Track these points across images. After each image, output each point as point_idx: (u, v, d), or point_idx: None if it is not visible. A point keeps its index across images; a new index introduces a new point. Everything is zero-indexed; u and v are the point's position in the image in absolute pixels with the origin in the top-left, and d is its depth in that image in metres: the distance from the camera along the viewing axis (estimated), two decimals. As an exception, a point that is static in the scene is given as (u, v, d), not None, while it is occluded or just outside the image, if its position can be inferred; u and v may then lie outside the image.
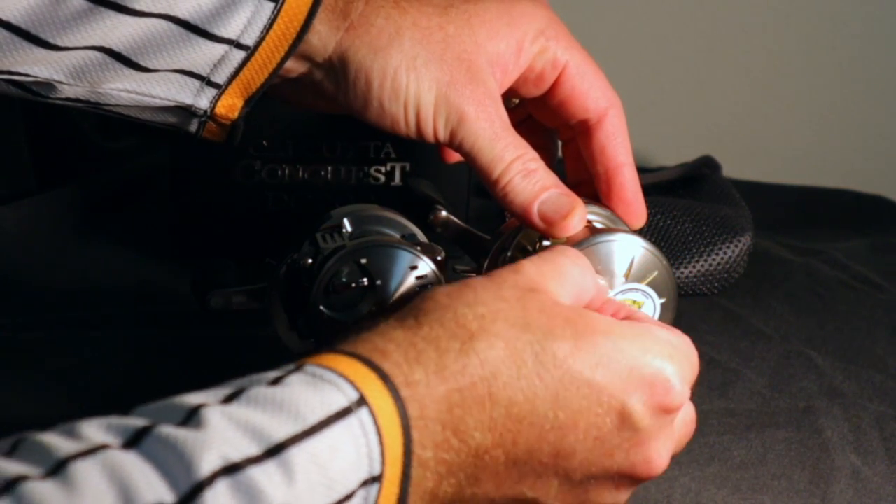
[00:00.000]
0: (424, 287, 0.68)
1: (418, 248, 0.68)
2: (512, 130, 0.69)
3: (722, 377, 0.83)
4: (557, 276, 0.61)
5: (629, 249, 0.71)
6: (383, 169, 0.94)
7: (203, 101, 0.68)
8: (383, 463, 0.51)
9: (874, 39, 1.27)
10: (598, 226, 0.74)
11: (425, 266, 0.68)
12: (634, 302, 0.72)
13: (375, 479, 0.51)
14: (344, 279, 0.67)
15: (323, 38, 0.68)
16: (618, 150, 0.74)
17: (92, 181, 1.05)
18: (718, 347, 0.87)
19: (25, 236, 0.97)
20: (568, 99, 0.73)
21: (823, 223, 1.14)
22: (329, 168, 0.93)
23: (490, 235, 0.76)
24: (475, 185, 1.06)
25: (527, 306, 0.57)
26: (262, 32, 0.66)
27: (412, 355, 0.54)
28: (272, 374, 0.53)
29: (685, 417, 0.62)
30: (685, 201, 1.01)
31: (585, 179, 0.76)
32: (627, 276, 0.71)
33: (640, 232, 0.95)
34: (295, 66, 0.69)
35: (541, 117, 0.76)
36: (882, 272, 1.01)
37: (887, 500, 0.70)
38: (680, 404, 0.59)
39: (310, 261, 0.68)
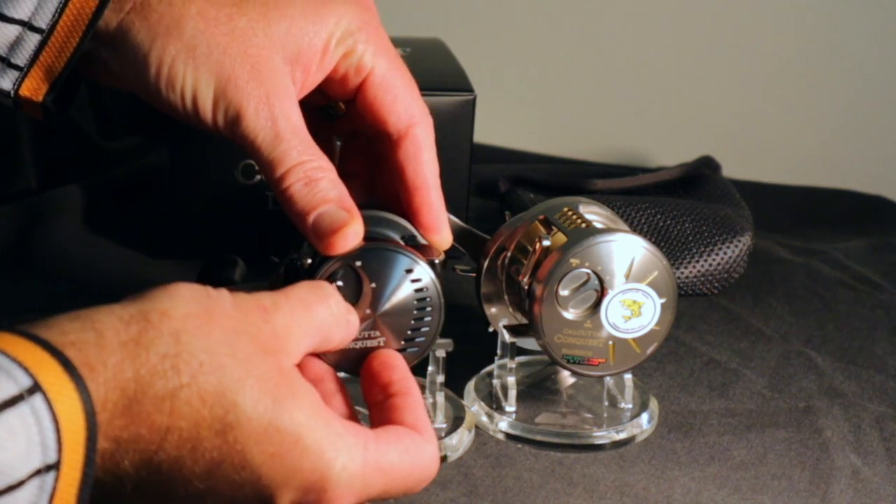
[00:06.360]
0: (420, 290, 0.68)
1: (415, 251, 0.68)
2: (302, 134, 0.66)
3: (722, 377, 0.83)
4: (302, 333, 0.60)
5: (629, 249, 0.71)
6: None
7: (5, 83, 0.67)
8: (60, 450, 0.50)
9: (874, 40, 1.27)
10: (598, 226, 0.74)
11: (421, 270, 0.68)
12: (634, 302, 0.72)
13: (52, 467, 0.50)
14: (339, 282, 0.66)
15: (105, 17, 0.66)
16: (418, 170, 0.70)
17: (92, 181, 1.05)
18: (718, 347, 0.87)
19: (25, 236, 0.97)
20: (369, 108, 0.69)
21: (823, 223, 1.14)
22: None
23: (490, 235, 0.76)
24: (475, 185, 1.06)
25: (249, 372, 0.55)
26: (54, 15, 0.66)
27: (117, 383, 0.53)
28: None
29: None
30: (685, 201, 1.01)
31: (392, 194, 0.72)
32: (627, 276, 0.71)
33: (640, 232, 0.96)
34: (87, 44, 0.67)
35: (358, 125, 0.72)
36: (882, 272, 1.01)
37: (887, 500, 0.70)
38: None
39: (309, 261, 0.67)
